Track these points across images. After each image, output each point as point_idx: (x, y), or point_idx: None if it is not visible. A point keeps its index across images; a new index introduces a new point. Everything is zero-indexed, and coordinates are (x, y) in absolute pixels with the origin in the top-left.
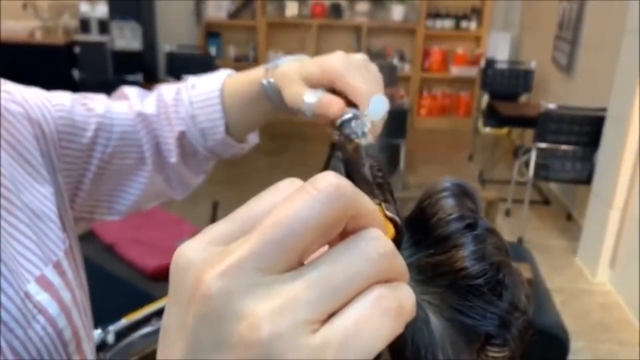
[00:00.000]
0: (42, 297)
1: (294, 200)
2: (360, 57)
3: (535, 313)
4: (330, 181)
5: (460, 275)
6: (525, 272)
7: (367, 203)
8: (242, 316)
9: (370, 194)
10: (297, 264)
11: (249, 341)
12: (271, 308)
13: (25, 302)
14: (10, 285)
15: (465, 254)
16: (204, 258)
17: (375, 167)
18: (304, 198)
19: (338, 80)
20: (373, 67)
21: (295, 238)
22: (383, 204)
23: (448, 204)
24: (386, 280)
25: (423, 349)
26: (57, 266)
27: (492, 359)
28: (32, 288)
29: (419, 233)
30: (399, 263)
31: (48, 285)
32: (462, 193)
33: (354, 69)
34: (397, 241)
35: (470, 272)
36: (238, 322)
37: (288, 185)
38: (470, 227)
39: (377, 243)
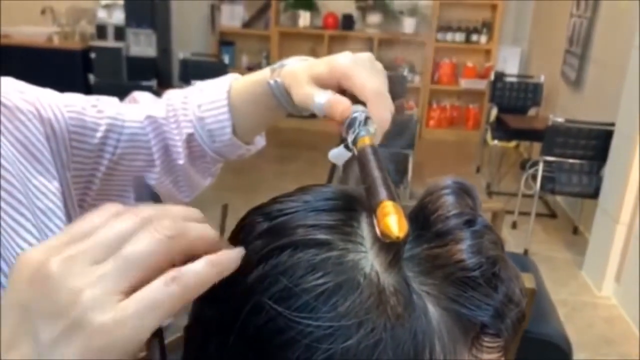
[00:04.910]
0: None
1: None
2: (366, 56)
3: (539, 323)
4: (169, 225)
5: (457, 267)
6: (528, 282)
7: (201, 235)
8: (69, 289)
9: (376, 190)
10: None
11: (68, 304)
12: (88, 282)
13: None
14: None
15: (463, 248)
16: (46, 249)
17: (382, 166)
18: (148, 236)
19: (345, 78)
20: (378, 65)
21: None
22: (390, 201)
23: (448, 201)
24: (187, 255)
25: (421, 335)
26: None
27: (487, 349)
28: None
29: (420, 228)
30: (188, 242)
31: None
32: (462, 191)
33: (360, 67)
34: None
35: (467, 265)
36: (65, 293)
37: (108, 210)
38: (469, 223)
39: (166, 226)
